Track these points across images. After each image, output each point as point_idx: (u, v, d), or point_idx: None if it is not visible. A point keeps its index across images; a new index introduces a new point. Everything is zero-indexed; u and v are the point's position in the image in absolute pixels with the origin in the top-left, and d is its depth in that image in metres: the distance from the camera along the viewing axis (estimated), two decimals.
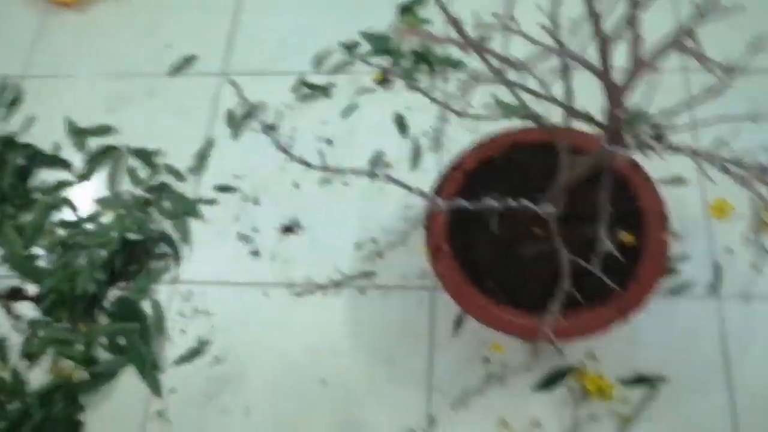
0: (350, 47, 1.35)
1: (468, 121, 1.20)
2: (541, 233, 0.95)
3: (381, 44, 1.33)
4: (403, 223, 1.15)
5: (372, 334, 1.07)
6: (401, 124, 1.25)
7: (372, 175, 0.77)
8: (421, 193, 0.80)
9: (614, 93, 0.62)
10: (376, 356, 1.06)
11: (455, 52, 1.32)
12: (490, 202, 0.81)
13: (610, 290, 0.91)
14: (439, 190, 1.00)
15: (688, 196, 1.12)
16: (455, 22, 0.65)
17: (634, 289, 0.89)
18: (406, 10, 1.36)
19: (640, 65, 0.57)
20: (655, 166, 0.96)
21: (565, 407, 0.98)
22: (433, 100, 0.85)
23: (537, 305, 0.90)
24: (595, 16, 0.57)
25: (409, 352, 1.05)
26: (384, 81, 1.31)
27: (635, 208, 0.96)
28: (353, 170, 0.81)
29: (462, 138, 1.16)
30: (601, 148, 0.71)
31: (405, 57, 1.32)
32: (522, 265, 0.95)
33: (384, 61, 1.32)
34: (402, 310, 1.09)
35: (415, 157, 1.21)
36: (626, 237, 0.92)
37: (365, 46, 1.35)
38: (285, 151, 0.72)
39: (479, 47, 0.65)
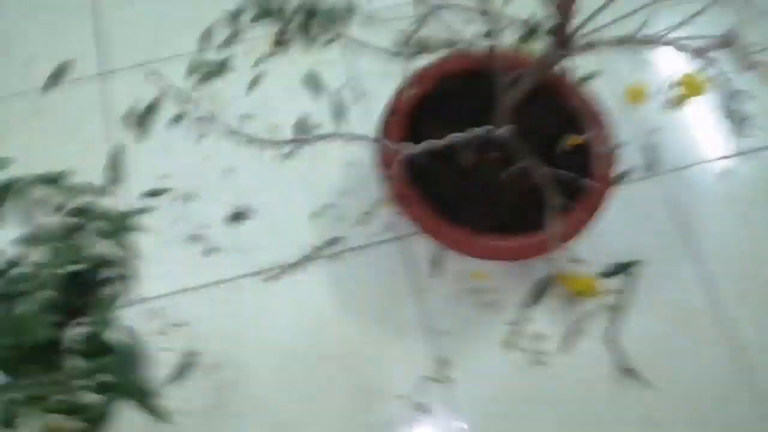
0: (235, 15, 1.28)
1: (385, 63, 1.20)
2: (497, 157, 0.99)
3: (266, 5, 1.27)
4: (351, 180, 1.15)
5: (356, 297, 1.09)
6: (314, 83, 1.22)
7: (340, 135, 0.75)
8: (375, 140, 0.80)
9: None
10: (368, 317, 1.07)
11: (340, 1, 1.29)
12: (454, 137, 0.83)
13: (572, 195, 0.97)
14: (384, 136, 1.01)
15: (602, 90, 1.20)
16: None
17: (596, 186, 0.96)
18: None
19: None
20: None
21: (560, 313, 1.06)
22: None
23: (514, 226, 0.95)
24: None
25: (397, 304, 1.08)
26: (280, 43, 1.26)
27: (571, 113, 1.02)
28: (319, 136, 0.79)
29: (379, 86, 1.17)
30: (550, 53, 0.75)
31: (294, 15, 1.27)
32: (487, 191, 0.99)
33: (273, 23, 1.27)
34: (377, 265, 1.10)
35: (339, 113, 1.20)
36: (575, 140, 0.98)
37: (250, 12, 1.28)
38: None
39: None
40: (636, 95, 1.16)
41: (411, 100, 1.02)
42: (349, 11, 1.27)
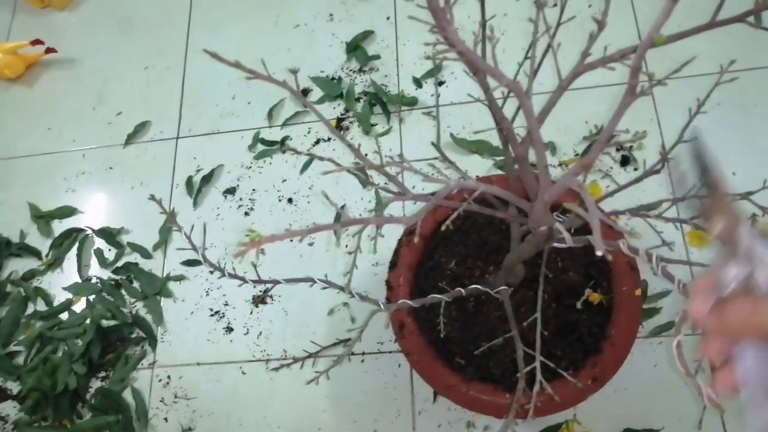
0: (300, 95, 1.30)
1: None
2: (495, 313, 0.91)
3: (332, 89, 1.28)
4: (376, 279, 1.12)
5: (353, 405, 1.05)
6: (362, 172, 1.20)
7: (309, 280, 0.74)
8: (362, 298, 0.77)
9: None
10: (359, 429, 1.03)
11: (408, 88, 1.26)
12: (437, 297, 0.77)
13: (585, 354, 0.87)
14: (396, 257, 0.97)
15: None
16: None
17: (609, 352, 0.85)
18: (353, 49, 1.30)
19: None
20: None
21: None
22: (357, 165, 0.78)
23: (508, 377, 0.87)
24: None
25: (391, 421, 1.03)
26: (339, 128, 1.26)
27: (602, 261, 0.92)
28: (287, 280, 0.78)
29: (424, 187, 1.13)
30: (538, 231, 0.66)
31: (358, 100, 1.27)
32: (489, 336, 0.91)
33: (337, 106, 1.27)
34: (381, 376, 1.06)
35: (379, 209, 1.17)
36: (594, 296, 0.88)
37: (317, 92, 1.30)
38: (216, 268, 0.69)
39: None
40: (700, 239, 1.02)
41: (432, 222, 0.97)
42: (411, 102, 1.24)
